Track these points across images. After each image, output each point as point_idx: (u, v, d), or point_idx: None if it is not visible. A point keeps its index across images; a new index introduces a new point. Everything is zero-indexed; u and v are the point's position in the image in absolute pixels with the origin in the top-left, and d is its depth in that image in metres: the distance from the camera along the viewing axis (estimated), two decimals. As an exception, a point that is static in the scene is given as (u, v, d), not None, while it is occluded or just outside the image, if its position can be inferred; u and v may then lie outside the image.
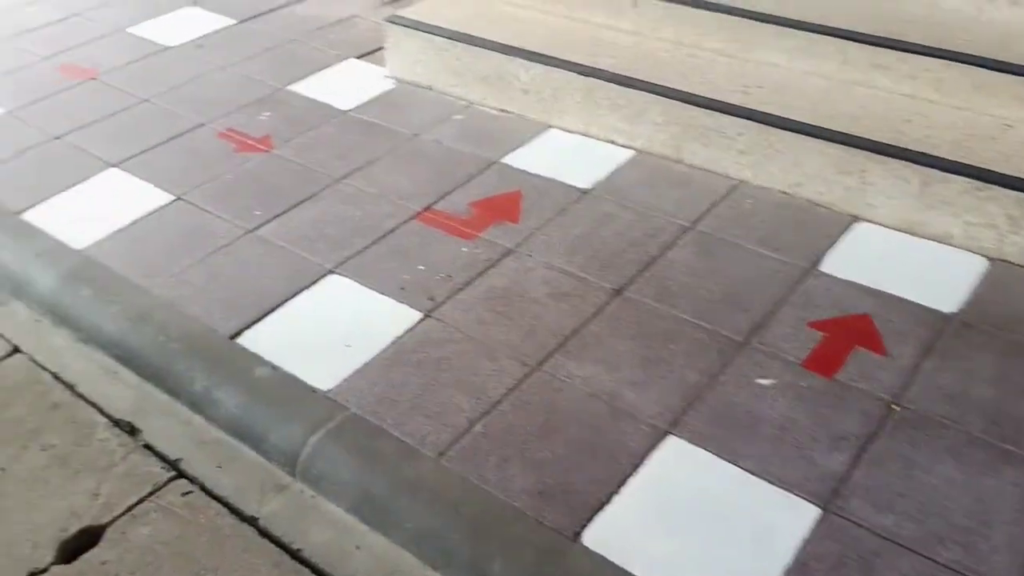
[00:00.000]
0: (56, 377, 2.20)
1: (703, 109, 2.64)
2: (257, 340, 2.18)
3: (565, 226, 2.50)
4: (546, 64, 2.89)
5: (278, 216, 2.61)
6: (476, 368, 2.05)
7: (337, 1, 4.03)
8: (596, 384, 2.00)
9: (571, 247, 2.42)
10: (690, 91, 2.69)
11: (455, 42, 3.09)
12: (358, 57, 3.52)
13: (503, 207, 2.59)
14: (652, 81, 2.75)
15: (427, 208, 2.61)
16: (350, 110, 3.15)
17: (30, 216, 2.68)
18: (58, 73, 3.48)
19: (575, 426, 1.90)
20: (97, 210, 2.68)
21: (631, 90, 2.75)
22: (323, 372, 2.07)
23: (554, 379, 2.02)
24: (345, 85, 3.32)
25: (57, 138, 3.06)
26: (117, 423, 2.07)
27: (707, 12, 2.89)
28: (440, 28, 3.15)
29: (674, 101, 2.68)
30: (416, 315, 2.22)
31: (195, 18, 3.90)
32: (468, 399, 1.98)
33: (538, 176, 2.72)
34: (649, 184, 2.67)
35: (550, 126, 2.94)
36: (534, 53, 2.93)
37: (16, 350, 2.30)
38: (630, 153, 2.81)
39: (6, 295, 2.47)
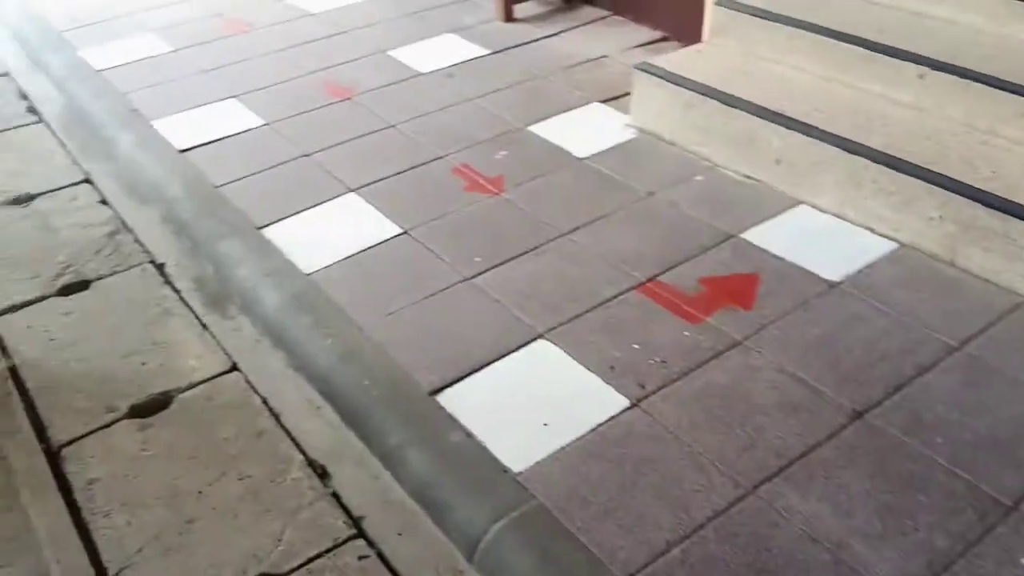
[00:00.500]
0: (265, 402, 2.25)
1: (990, 209, 2.25)
2: (457, 400, 2.10)
3: (804, 323, 2.23)
4: (806, 134, 2.61)
5: (497, 266, 2.54)
6: (682, 479, 1.85)
7: (591, 38, 3.94)
8: (820, 526, 1.73)
9: (809, 350, 2.14)
10: (977, 185, 2.32)
11: (706, 98, 2.88)
12: (602, 101, 3.40)
13: (736, 290, 2.35)
14: (930, 168, 2.40)
15: (651, 279, 2.42)
16: (586, 158, 3.03)
17: (269, 232, 2.79)
18: (319, 89, 3.65)
19: (789, 574, 1.65)
20: (330, 234, 2.75)
21: (903, 175, 2.41)
22: (516, 449, 1.95)
23: (770, 509, 1.77)
24: (585, 130, 3.21)
25: (306, 155, 3.19)
26: (311, 464, 2.07)
27: (1010, 94, 2.48)
28: (691, 82, 2.95)
29: (954, 194, 2.32)
30: (622, 402, 2.04)
31: (452, 46, 3.95)
32: (669, 515, 1.77)
33: (779, 259, 2.46)
34: (911, 286, 2.32)
35: (800, 202, 2.66)
36: (793, 120, 2.66)
37: (234, 367, 2.37)
38: (892, 246, 2.47)
39: (236, 310, 2.57)
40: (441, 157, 3.11)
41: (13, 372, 2.41)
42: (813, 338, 2.17)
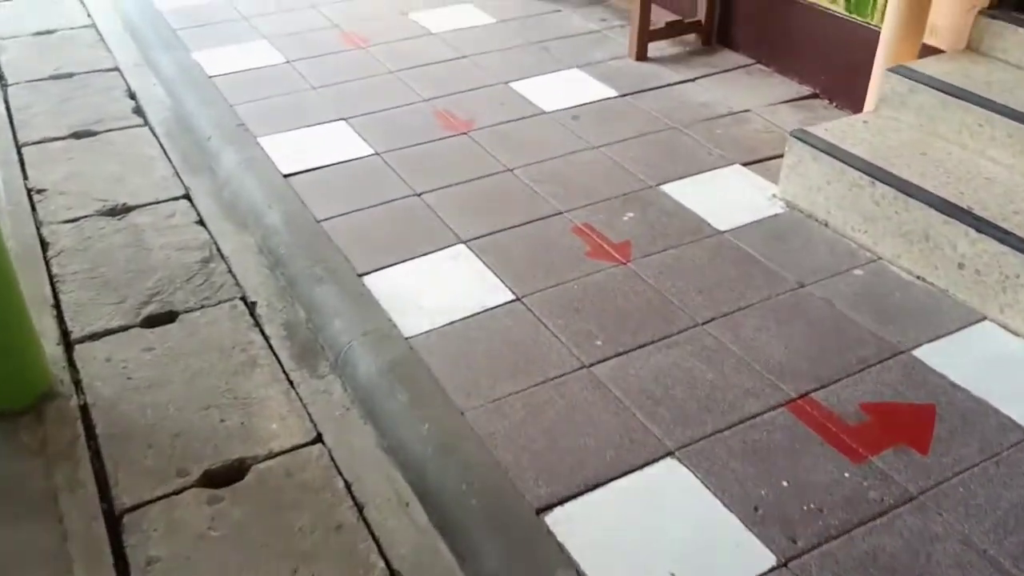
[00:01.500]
0: (348, 488, 1.98)
1: None
2: (567, 524, 1.80)
3: (996, 482, 1.85)
4: (1001, 240, 2.22)
5: (621, 354, 2.23)
6: (842, 678, 1.51)
7: (732, 88, 3.60)
8: None
9: (1003, 521, 1.76)
10: None
11: (875, 181, 2.51)
12: (745, 164, 3.05)
13: (908, 424, 1.99)
14: None
15: (803, 395, 2.08)
16: (726, 231, 2.70)
17: (370, 281, 2.54)
18: (434, 120, 3.41)
19: None
20: (435, 292, 2.48)
21: (1124, 306, 2.02)
22: (637, 603, 1.64)
23: None
24: (725, 196, 2.87)
25: (416, 195, 2.94)
26: (394, 573, 1.80)
27: None
28: (857, 159, 2.59)
29: None
30: (768, 559, 1.71)
31: (578, 83, 3.66)
32: None
33: (962, 389, 2.08)
34: None
35: (986, 318, 2.27)
36: (986, 221, 2.28)
37: (319, 438, 2.12)
38: (1101, 388, 2.07)
39: (327, 367, 2.33)
40: (561, 213, 2.82)
41: (84, 411, 2.22)
42: (1008, 505, 1.79)
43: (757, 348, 2.23)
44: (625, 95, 3.56)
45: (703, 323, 2.32)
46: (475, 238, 2.70)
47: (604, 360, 2.21)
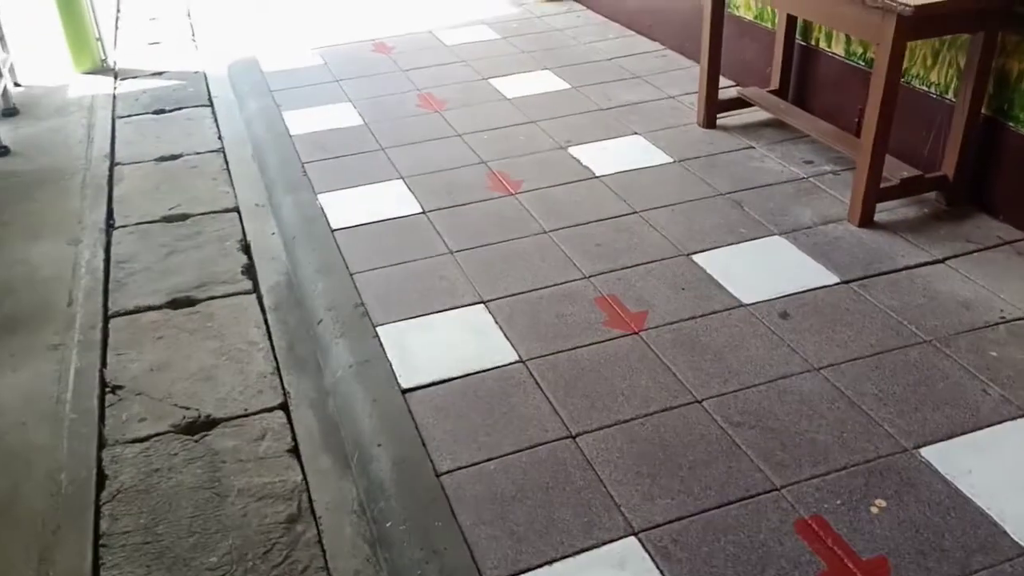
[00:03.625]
0: None
1: None
2: None
3: None
4: None
5: None
6: None
7: (996, 277, 2.68)
8: None
9: None
10: None
11: None
12: (1042, 418, 2.15)
13: None
14: None
15: None
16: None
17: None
18: (597, 314, 2.68)
19: None
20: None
21: None
22: None
23: None
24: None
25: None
26: None
27: None
28: None
29: None
30: None
31: (785, 260, 2.83)
32: None
33: None
34: None
35: None
36: None
37: None
38: None
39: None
40: (777, 489, 2.00)
41: None
42: None
43: None
44: (848, 281, 2.71)
45: None
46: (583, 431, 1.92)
47: None
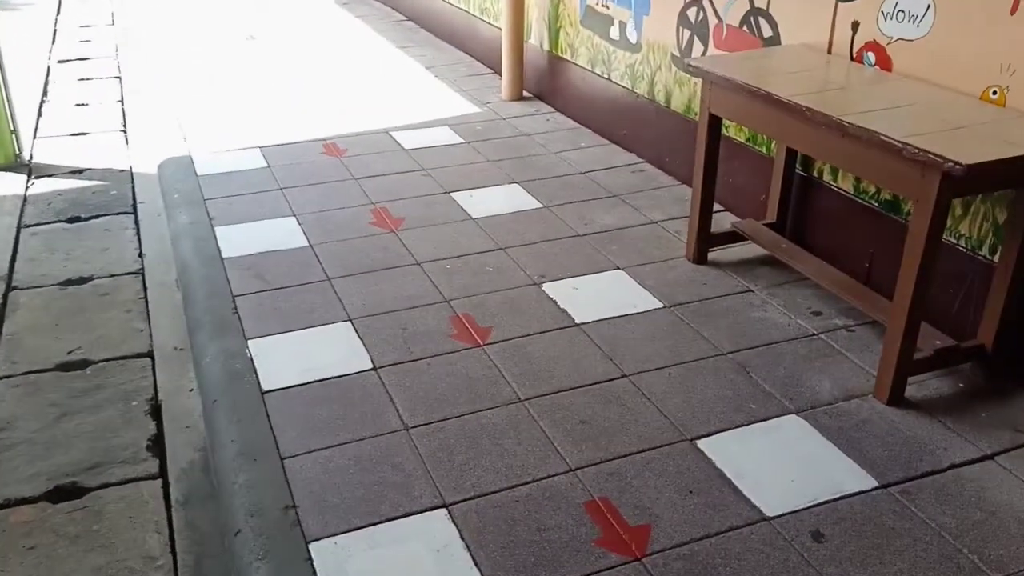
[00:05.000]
0: None
1: None
2: None
3: None
4: None
5: None
6: None
7: (1063, 485, 2.25)
8: None
9: None
10: None
11: None
12: None
13: None
14: None
15: None
16: None
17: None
18: (590, 530, 2.17)
19: None
20: None
21: None
22: None
23: None
24: None
25: None
26: None
27: None
28: None
29: None
30: None
31: (806, 450, 2.36)
32: None
33: None
34: None
35: None
36: None
37: None
38: None
39: None
40: None
41: None
42: None
43: None
44: (888, 486, 2.25)
45: None
46: None
47: None
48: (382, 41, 6.85)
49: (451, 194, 4.04)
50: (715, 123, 3.16)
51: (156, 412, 2.66)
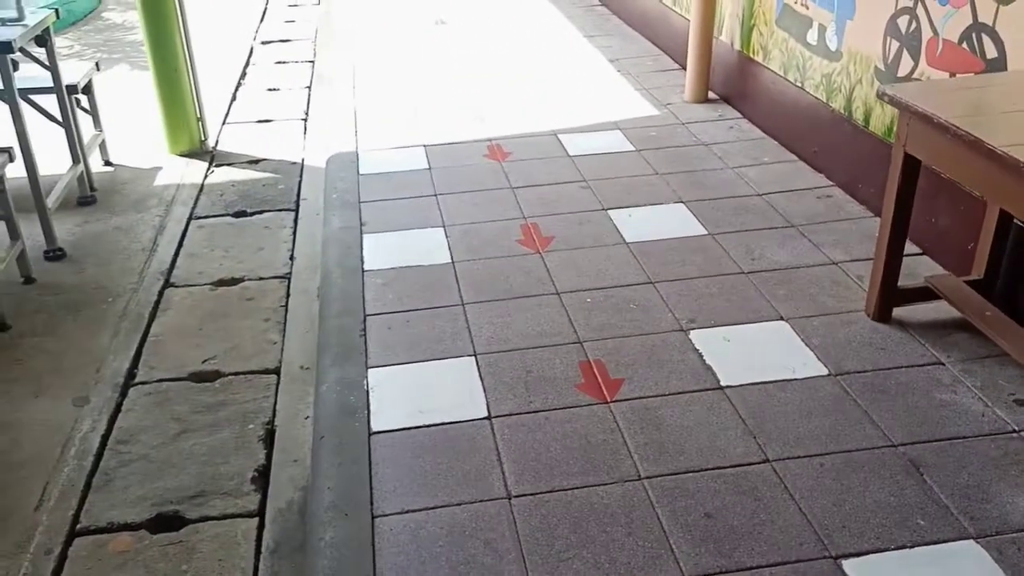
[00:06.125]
0: None
1: None
2: None
3: None
4: None
5: None
6: None
7: None
8: None
9: None
10: None
11: None
12: None
13: None
14: None
15: None
16: None
17: None
18: None
19: None
20: None
21: None
22: None
23: None
24: None
25: None
26: None
27: None
28: None
29: None
30: None
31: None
32: None
33: None
34: None
35: None
36: None
37: None
38: None
39: None
40: None
41: None
42: None
43: None
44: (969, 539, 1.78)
45: None
46: None
47: None
48: (570, 29, 6.59)
49: (608, 211, 3.75)
50: (911, 164, 2.67)
51: (269, 438, 2.62)
